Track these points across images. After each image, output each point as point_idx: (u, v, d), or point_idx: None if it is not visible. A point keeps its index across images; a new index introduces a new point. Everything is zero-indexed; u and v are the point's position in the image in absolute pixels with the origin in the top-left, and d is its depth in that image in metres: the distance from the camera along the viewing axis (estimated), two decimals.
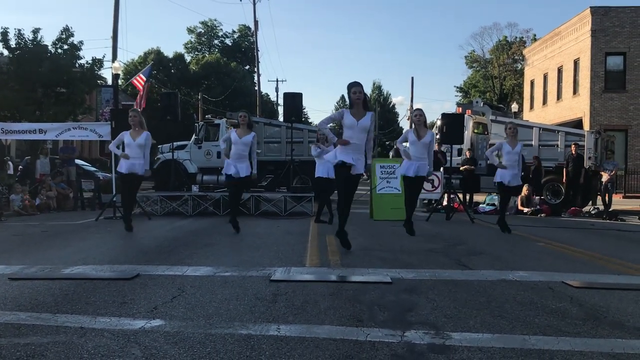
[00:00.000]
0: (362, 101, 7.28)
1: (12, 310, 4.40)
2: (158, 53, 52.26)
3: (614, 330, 4.03)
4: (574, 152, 16.51)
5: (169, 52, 54.95)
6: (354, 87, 7.29)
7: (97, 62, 20.77)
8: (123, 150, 9.90)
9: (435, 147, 12.69)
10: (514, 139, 10.20)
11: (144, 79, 17.07)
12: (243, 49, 65.79)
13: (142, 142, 9.76)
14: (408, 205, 9.45)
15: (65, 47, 19.94)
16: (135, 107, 16.78)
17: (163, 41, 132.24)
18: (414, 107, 46.06)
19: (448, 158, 15.34)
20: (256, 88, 49.13)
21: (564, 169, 16.76)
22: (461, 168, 16.89)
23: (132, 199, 10.47)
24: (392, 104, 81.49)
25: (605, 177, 16.37)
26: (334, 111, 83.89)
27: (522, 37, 54.01)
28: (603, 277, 6.12)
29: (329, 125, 8.14)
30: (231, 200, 10.22)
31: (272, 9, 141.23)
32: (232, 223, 9.72)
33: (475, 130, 18.70)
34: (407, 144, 9.52)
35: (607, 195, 16.44)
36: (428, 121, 9.85)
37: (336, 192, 7.87)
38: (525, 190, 15.39)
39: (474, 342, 3.67)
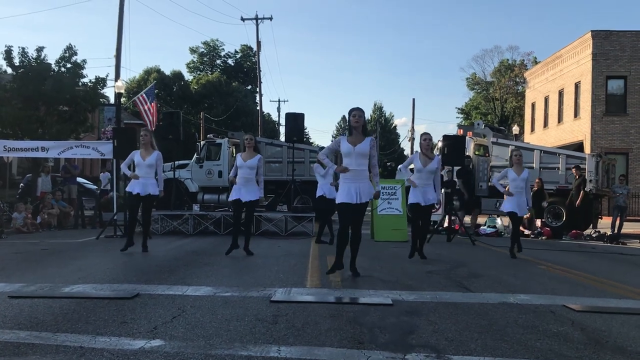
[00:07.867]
0: (361, 126, 7.10)
1: (12, 328, 4.38)
2: (158, 71, 52.54)
3: (616, 355, 4.00)
4: (577, 176, 16.25)
5: (170, 71, 55.29)
6: (354, 111, 7.15)
7: (100, 81, 20.92)
8: (133, 170, 9.88)
9: None
10: (520, 166, 10.22)
11: (147, 99, 17.12)
12: (245, 69, 66.18)
13: (152, 162, 9.70)
14: (417, 234, 9.26)
15: (69, 65, 20.09)
16: (147, 127, 16.88)
17: (165, 61, 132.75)
18: (418, 131, 46.27)
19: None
20: (258, 108, 49.34)
21: (570, 192, 16.54)
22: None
23: (147, 219, 10.30)
24: (393, 125, 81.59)
25: (618, 199, 16.21)
26: (334, 132, 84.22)
27: (523, 60, 54.36)
28: (605, 301, 6.10)
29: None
30: (234, 222, 10.00)
31: (275, 30, 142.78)
32: (233, 246, 9.39)
33: (476, 152, 18.74)
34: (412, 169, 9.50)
35: (618, 219, 16.21)
36: None
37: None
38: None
39: None
